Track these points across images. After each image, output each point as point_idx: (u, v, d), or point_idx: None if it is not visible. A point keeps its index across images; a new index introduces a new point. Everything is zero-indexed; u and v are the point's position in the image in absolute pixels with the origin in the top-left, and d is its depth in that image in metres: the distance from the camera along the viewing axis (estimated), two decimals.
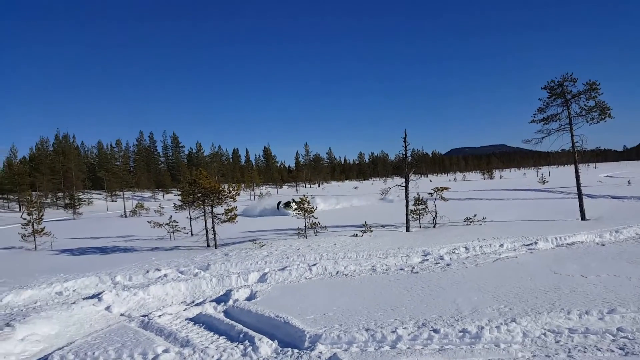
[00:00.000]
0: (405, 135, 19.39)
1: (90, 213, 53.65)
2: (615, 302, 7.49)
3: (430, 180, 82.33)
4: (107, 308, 9.66)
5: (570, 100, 19.59)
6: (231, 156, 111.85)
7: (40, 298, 10.93)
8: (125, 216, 40.55)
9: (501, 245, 14.12)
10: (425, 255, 13.25)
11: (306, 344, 6.71)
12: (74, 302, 9.99)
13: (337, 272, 11.74)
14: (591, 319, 6.84)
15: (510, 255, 12.65)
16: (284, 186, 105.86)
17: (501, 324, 6.70)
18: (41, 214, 21.77)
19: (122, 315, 9.39)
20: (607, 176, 65.52)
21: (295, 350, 6.57)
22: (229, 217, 16.63)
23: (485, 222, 19.42)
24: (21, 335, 8.07)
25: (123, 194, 56.61)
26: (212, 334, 7.71)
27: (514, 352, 5.92)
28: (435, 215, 19.82)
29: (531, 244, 14.11)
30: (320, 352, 6.32)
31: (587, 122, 19.54)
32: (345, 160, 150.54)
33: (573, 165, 20.85)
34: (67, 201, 56.85)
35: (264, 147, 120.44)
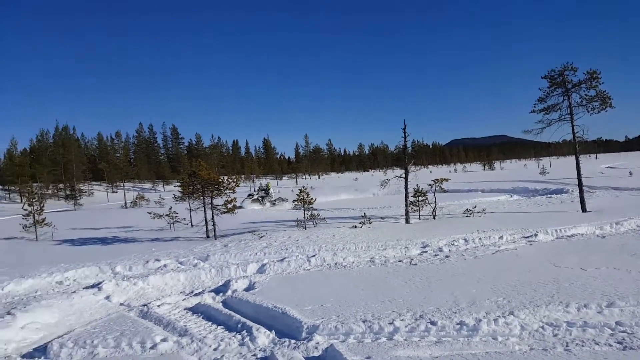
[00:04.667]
0: (405, 125, 19.31)
1: (91, 204, 53.74)
2: (615, 295, 7.47)
3: (431, 172, 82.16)
4: (107, 297, 9.69)
5: (571, 90, 19.44)
6: (231, 147, 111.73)
7: (41, 287, 10.97)
8: (126, 207, 40.62)
9: (500, 237, 14.11)
10: (424, 247, 13.25)
11: (303, 335, 6.73)
12: (74, 292, 10.04)
13: (336, 264, 11.75)
14: (590, 312, 6.83)
15: (509, 247, 12.64)
16: (284, 177, 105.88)
17: (499, 316, 6.70)
18: (42, 205, 21.80)
19: (121, 304, 9.43)
20: (608, 167, 65.30)
21: (293, 341, 6.59)
22: (228, 208, 16.64)
23: (484, 213, 19.41)
24: (22, 324, 8.12)
25: (124, 185, 56.67)
26: (210, 323, 7.74)
27: (512, 345, 5.92)
28: (435, 206, 19.81)
29: (531, 236, 14.10)
30: (317, 343, 6.34)
31: (588, 112, 19.40)
32: (345, 151, 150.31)
33: (574, 156, 20.75)
34: (67, 192, 57.00)
35: (264, 138, 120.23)
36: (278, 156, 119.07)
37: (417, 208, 19.89)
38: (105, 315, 8.63)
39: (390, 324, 6.63)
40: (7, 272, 12.26)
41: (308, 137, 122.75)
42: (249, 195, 36.29)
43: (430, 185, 20.71)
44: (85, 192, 62.26)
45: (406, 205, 19.01)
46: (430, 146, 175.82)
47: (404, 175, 19.50)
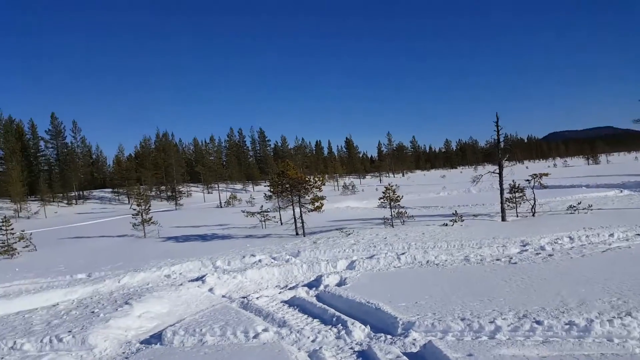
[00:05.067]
0: (497, 119, 18.31)
1: (190, 204, 57.98)
2: None
3: (527, 167, 76.81)
4: (210, 290, 10.42)
5: None
6: (314, 148, 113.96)
7: (151, 280, 12.06)
8: (221, 207, 43.23)
9: (611, 235, 12.81)
10: (524, 246, 12.45)
11: (399, 330, 6.69)
12: (181, 284, 10.90)
13: (427, 262, 11.49)
14: None
15: (622, 245, 11.44)
16: (366, 176, 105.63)
17: (614, 317, 6.11)
18: (148, 205, 23.99)
19: (223, 296, 10.07)
20: None
21: (389, 336, 6.58)
22: (315, 206, 17.01)
23: (591, 210, 17.74)
24: (138, 313, 9.01)
25: (218, 186, 60.38)
26: (306, 316, 8.00)
27: (631, 347, 5.37)
28: (534, 203, 18.51)
29: None
30: (414, 339, 6.26)
31: None
32: (430, 148, 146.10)
33: None
34: (169, 194, 62.06)
35: (346, 137, 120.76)
36: (360, 155, 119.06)
37: (514, 205, 18.74)
38: (209, 306, 9.27)
39: (492, 322, 6.34)
40: (122, 266, 13.67)
41: (391, 135, 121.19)
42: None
43: (527, 180, 19.41)
44: (184, 193, 67.23)
45: (502, 202, 18.00)
46: (526, 140, 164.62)
47: (497, 171, 18.48)
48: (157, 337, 7.54)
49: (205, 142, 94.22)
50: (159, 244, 18.92)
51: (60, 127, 68.41)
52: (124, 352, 7.15)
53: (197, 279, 11.23)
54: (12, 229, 18.58)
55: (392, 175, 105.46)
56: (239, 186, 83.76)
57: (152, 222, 22.97)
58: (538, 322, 6.22)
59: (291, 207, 17.91)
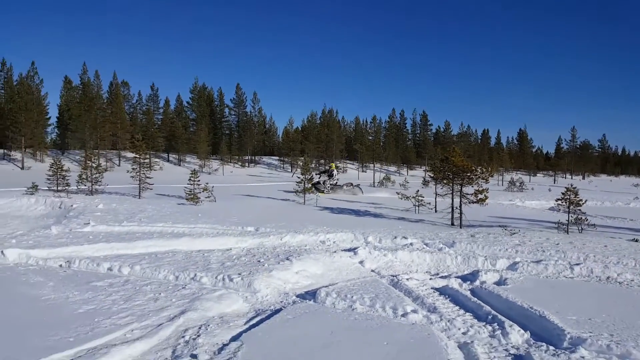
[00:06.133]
0: None
1: (343, 180, 60.38)
2: None
3: None
4: (361, 262, 10.71)
5: None
6: (480, 137, 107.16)
7: (308, 243, 12.90)
8: (374, 186, 43.92)
9: None
10: None
11: (565, 344, 5.93)
12: (335, 252, 11.43)
13: (608, 278, 9.87)
14: None
15: None
16: (538, 174, 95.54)
17: None
18: (310, 175, 25.68)
19: (372, 271, 10.25)
20: None
21: (551, 348, 5.89)
22: (478, 198, 15.97)
23: None
24: (296, 269, 9.76)
25: (374, 166, 61.43)
26: (457, 308, 7.64)
27: None
28: None
29: None
30: (583, 357, 5.50)
31: None
32: (623, 150, 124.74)
33: None
34: (325, 168, 65.50)
35: (519, 129, 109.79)
36: (534, 150, 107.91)
37: None
38: (359, 276, 9.55)
39: None
40: (283, 227, 14.91)
41: (576, 131, 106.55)
42: (310, 178, 32.64)
43: None
44: (340, 168, 70.29)
45: None
46: None
47: None
48: (311, 295, 8.06)
49: (366, 121, 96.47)
50: (316, 212, 20.13)
51: (243, 97, 77.34)
52: (282, 301, 7.82)
53: (349, 250, 11.63)
54: (199, 180, 21.80)
55: (570, 177, 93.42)
56: (392, 168, 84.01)
57: (311, 192, 24.57)
58: None
59: (449, 195, 17.16)
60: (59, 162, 24.14)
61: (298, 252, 11.29)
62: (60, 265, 9.81)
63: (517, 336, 6.28)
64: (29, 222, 15.40)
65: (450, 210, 17.00)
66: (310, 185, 29.74)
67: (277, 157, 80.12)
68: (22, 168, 48.21)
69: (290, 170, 69.46)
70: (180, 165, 64.51)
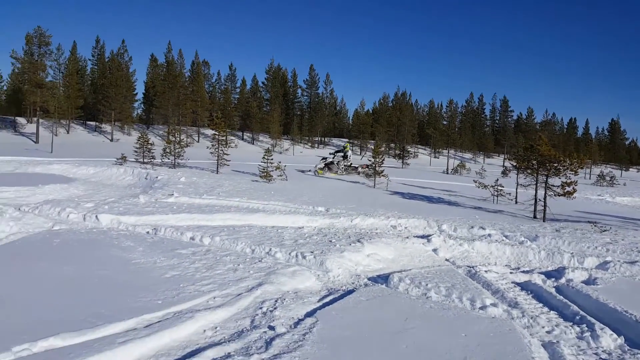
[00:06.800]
0: None
1: (415, 165, 59.02)
2: None
3: None
4: (434, 250, 10.39)
5: None
6: (566, 126, 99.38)
7: (379, 227, 12.76)
8: (447, 173, 42.46)
9: None
10: None
11: None
12: (407, 237, 11.20)
13: None
14: None
15: None
16: (631, 169, 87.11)
17: None
18: (382, 158, 25.29)
19: (446, 260, 9.91)
20: None
21: None
22: (565, 190, 14.82)
23: None
24: (367, 252, 9.70)
25: (448, 152, 59.39)
26: (541, 305, 7.17)
27: None
28: None
29: None
30: None
31: None
32: None
33: None
34: (397, 152, 64.28)
35: (612, 119, 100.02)
36: (627, 142, 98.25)
37: None
38: (433, 265, 9.28)
39: None
40: (353, 209, 14.85)
41: None
42: (323, 158, 30.51)
43: None
44: (411, 153, 68.68)
45: None
46: None
47: None
48: (383, 279, 7.97)
49: (441, 105, 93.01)
50: (386, 196, 19.86)
51: (315, 78, 77.59)
52: (353, 283, 7.82)
53: (422, 237, 11.33)
54: (272, 159, 22.32)
55: None
56: (468, 155, 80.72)
57: (383, 175, 24.24)
58: None
59: (532, 186, 16.10)
60: (146, 136, 25.91)
61: (369, 235, 11.20)
62: (148, 232, 10.54)
63: (609, 340, 5.79)
64: (118, 190, 16.71)
65: (532, 202, 15.97)
66: (323, 165, 29.53)
67: (347, 140, 79.97)
68: (112, 140, 52.44)
69: (359, 153, 69.15)
70: (253, 143, 66.69)
